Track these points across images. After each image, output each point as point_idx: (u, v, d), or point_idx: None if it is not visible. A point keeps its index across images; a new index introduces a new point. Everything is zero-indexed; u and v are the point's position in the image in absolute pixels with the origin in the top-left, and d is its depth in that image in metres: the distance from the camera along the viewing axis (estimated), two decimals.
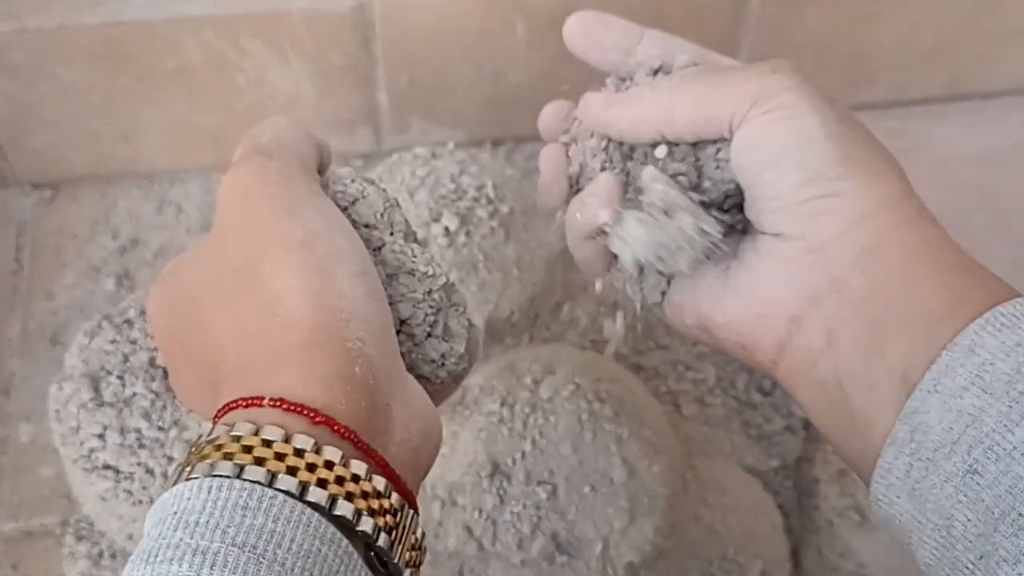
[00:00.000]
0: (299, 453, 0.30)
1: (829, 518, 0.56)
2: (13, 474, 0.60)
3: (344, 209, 0.38)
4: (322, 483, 0.30)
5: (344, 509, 0.30)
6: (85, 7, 0.61)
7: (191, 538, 0.28)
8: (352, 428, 0.31)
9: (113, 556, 0.57)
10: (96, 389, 0.53)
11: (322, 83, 0.66)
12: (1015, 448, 0.30)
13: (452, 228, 0.56)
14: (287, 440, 0.30)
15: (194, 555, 0.28)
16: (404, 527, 0.32)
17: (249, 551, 0.28)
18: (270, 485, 0.30)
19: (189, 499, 0.29)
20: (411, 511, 0.33)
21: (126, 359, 0.54)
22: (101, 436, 0.52)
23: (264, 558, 0.28)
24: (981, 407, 0.31)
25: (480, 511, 0.50)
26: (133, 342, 0.54)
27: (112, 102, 0.66)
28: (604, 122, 0.40)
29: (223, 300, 0.34)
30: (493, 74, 0.67)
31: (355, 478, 0.31)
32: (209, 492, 0.29)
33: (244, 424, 0.31)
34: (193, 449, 0.32)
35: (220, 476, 0.30)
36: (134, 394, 0.52)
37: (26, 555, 0.58)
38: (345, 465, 0.31)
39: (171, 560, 0.28)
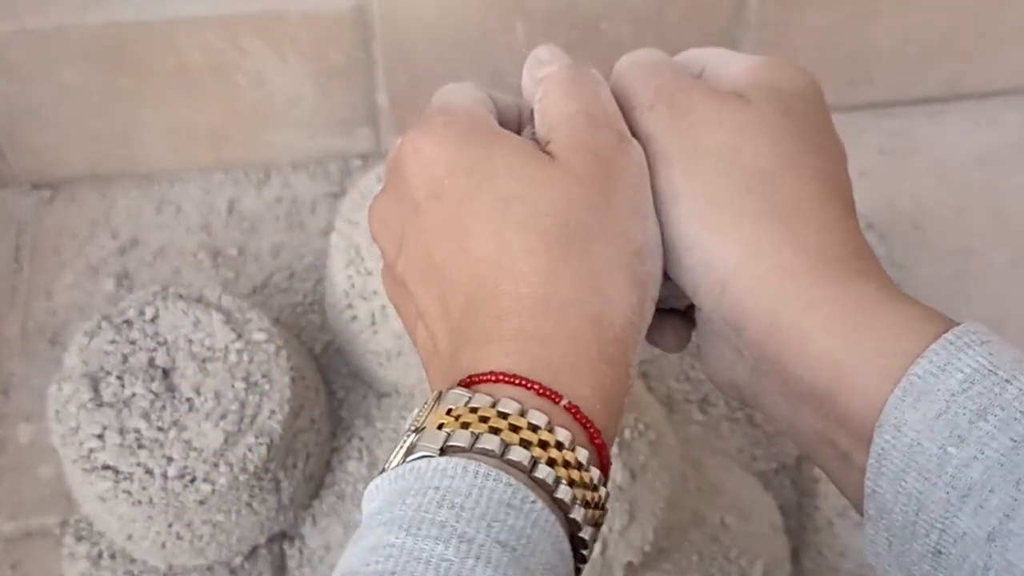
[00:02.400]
0: (559, 446, 0.30)
1: (829, 518, 0.56)
2: (12, 474, 0.60)
3: None
4: (571, 482, 0.30)
5: (562, 493, 0.30)
6: (84, 7, 0.61)
7: (457, 522, 0.28)
8: (587, 416, 0.31)
9: (112, 556, 0.57)
10: (95, 389, 0.53)
11: (322, 83, 0.66)
12: (965, 535, 0.29)
13: None
14: (550, 430, 0.30)
15: (460, 541, 0.27)
16: (601, 496, 0.31)
17: (510, 552, 0.27)
18: (531, 471, 0.29)
19: (454, 479, 0.28)
20: (600, 476, 0.32)
21: (125, 359, 0.54)
22: (100, 436, 0.52)
23: (520, 563, 0.27)
24: (923, 491, 0.29)
25: None
26: (132, 342, 0.54)
27: (111, 102, 0.66)
28: None
29: (541, 230, 0.33)
30: (493, 74, 0.67)
31: (580, 465, 0.30)
32: (475, 478, 0.28)
33: (509, 402, 0.30)
34: (448, 408, 0.30)
35: (481, 455, 0.29)
36: (133, 394, 0.52)
37: (25, 555, 0.58)
38: (572, 450, 0.30)
39: (436, 539, 0.27)
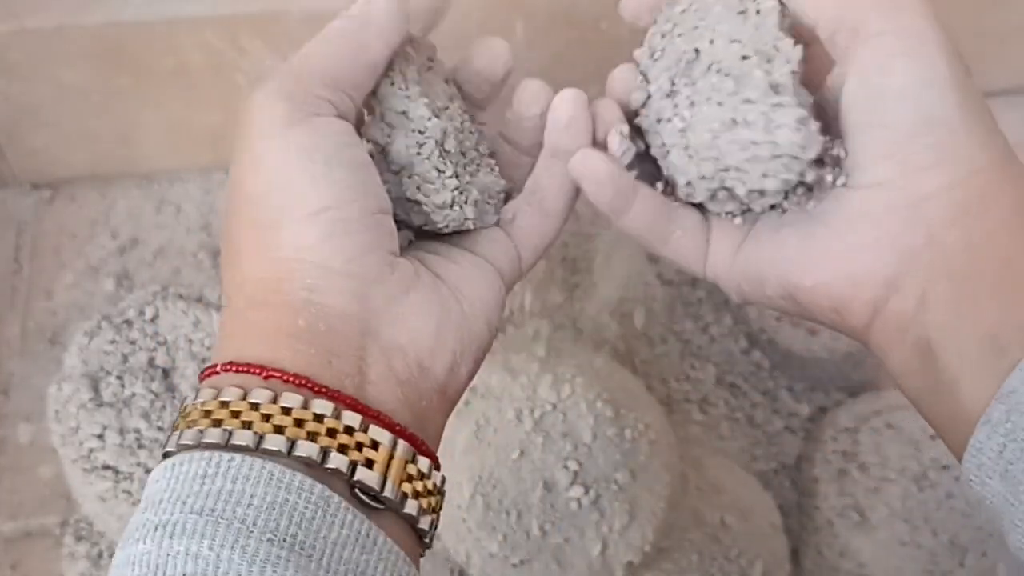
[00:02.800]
0: (255, 407, 0.30)
1: (829, 518, 0.56)
2: (12, 474, 0.60)
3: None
4: (279, 429, 0.30)
5: (304, 450, 0.30)
6: (84, 7, 0.61)
7: (155, 515, 0.29)
8: (305, 375, 0.31)
9: (112, 556, 0.56)
10: (95, 389, 0.53)
11: None
12: None
13: None
14: (243, 398, 0.30)
15: (155, 530, 0.28)
16: (394, 460, 0.31)
17: (207, 514, 0.28)
18: (257, 448, 0.30)
19: (157, 480, 0.30)
20: (404, 444, 0.32)
21: (125, 359, 0.54)
22: (100, 436, 0.52)
23: (223, 518, 0.28)
24: None
25: (479, 511, 0.50)
26: (132, 342, 0.54)
27: (111, 102, 0.65)
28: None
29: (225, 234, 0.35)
30: None
31: (318, 418, 0.30)
32: (172, 469, 0.30)
33: (205, 390, 0.31)
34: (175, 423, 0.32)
35: (188, 449, 0.30)
36: (133, 394, 0.52)
37: (25, 555, 0.58)
38: (305, 408, 0.30)
39: (137, 540, 0.29)
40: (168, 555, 0.28)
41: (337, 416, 0.31)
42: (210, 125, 0.68)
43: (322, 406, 0.31)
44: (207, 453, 0.29)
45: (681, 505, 0.55)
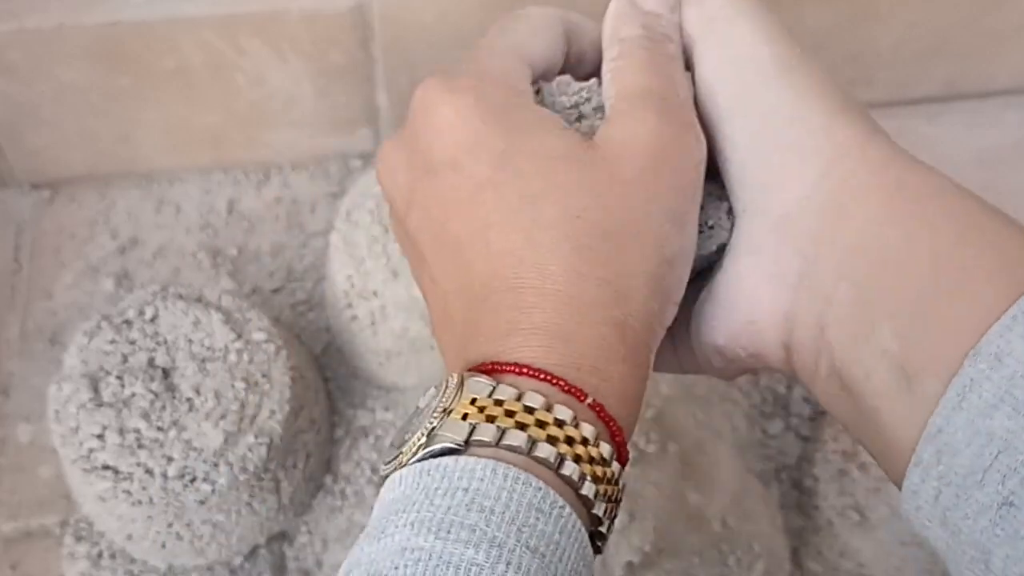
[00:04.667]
0: (585, 442, 0.29)
1: (829, 518, 0.56)
2: (12, 474, 0.60)
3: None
4: (578, 459, 0.29)
5: (569, 470, 0.29)
6: (84, 7, 0.61)
7: (487, 526, 0.27)
8: (626, 445, 0.31)
9: (112, 556, 0.57)
10: (95, 389, 0.53)
11: (321, 83, 0.66)
12: None
13: None
14: (576, 425, 0.29)
15: (491, 546, 0.26)
16: (618, 488, 0.31)
17: (539, 558, 0.27)
18: (558, 468, 0.28)
19: (483, 481, 0.27)
20: (619, 467, 0.31)
21: (125, 359, 0.54)
22: (100, 436, 0.52)
23: (548, 569, 0.27)
24: (1013, 430, 0.26)
25: None
26: (132, 342, 0.54)
27: (111, 102, 0.65)
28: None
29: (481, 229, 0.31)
30: None
31: (584, 441, 0.29)
32: (505, 480, 0.27)
33: (535, 396, 0.29)
34: (472, 397, 0.29)
35: (507, 451, 0.28)
36: (133, 394, 0.52)
37: (25, 555, 0.58)
38: (576, 426, 0.29)
39: (467, 543, 0.26)
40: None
41: (596, 444, 0.30)
42: (210, 125, 0.68)
43: (608, 449, 0.30)
44: (540, 484, 0.28)
45: (681, 505, 0.55)
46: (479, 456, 0.28)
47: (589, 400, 0.30)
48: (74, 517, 0.58)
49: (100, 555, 0.57)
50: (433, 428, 0.29)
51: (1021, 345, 0.26)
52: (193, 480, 0.51)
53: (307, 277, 0.67)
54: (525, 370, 0.29)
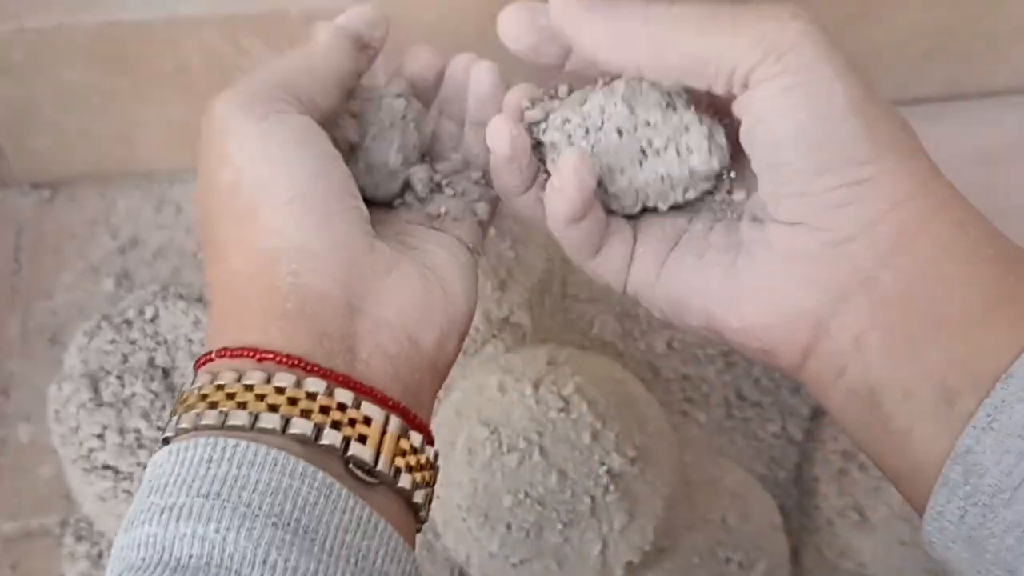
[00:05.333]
0: (249, 388, 0.31)
1: (829, 518, 0.56)
2: (12, 474, 0.60)
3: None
4: (273, 408, 0.31)
5: (298, 427, 0.30)
6: (84, 7, 0.61)
7: (161, 498, 0.29)
8: (297, 355, 0.32)
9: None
10: (95, 389, 0.53)
11: None
12: None
13: None
14: (238, 380, 0.31)
15: (162, 513, 0.29)
16: (387, 435, 0.32)
17: (213, 498, 0.29)
18: (252, 427, 0.30)
19: (161, 465, 0.30)
20: (396, 419, 0.32)
21: (125, 359, 0.54)
22: (100, 436, 0.52)
23: (229, 502, 0.29)
24: None
25: (479, 511, 0.50)
26: (132, 342, 0.54)
27: (111, 102, 0.65)
28: (577, 30, 0.35)
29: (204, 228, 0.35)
30: None
31: (311, 396, 0.31)
32: (177, 454, 0.30)
33: (201, 376, 0.32)
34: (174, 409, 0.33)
35: (185, 433, 0.31)
36: (133, 394, 0.52)
37: (25, 555, 0.58)
38: (298, 387, 0.31)
39: (143, 523, 0.29)
40: (174, 537, 0.28)
41: (330, 393, 0.31)
42: None
43: (314, 384, 0.31)
44: (211, 439, 0.30)
45: (681, 505, 0.55)
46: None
47: (258, 355, 0.32)
48: (74, 517, 0.58)
49: (100, 555, 0.57)
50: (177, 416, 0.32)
51: None
52: None
53: None
54: (200, 361, 0.33)
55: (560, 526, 0.50)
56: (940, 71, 0.74)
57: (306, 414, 0.31)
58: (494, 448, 0.51)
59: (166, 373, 0.53)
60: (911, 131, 0.34)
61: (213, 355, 0.32)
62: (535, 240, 0.58)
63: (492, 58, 0.66)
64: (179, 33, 0.62)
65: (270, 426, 0.30)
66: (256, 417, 0.30)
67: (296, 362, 0.32)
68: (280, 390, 0.31)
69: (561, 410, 0.52)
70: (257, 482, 0.29)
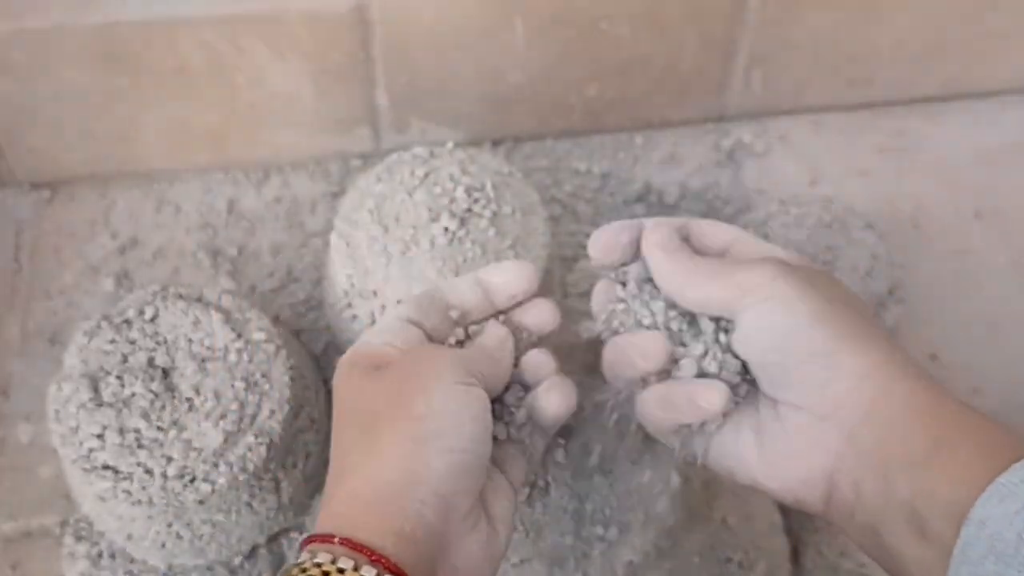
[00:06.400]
0: None
1: None
2: (12, 474, 0.60)
3: None
4: None
5: None
6: (84, 7, 0.61)
7: None
8: (401, 568, 0.37)
9: (112, 556, 0.57)
10: (95, 389, 0.53)
11: (321, 83, 0.66)
12: None
13: (451, 228, 0.56)
14: (356, 569, 0.37)
15: None
16: None
17: None
18: None
19: None
20: None
21: (125, 359, 0.54)
22: (100, 436, 0.52)
23: None
24: (999, 572, 0.35)
25: None
26: (132, 342, 0.54)
27: (111, 102, 0.66)
28: (679, 293, 0.44)
29: (362, 427, 0.41)
30: (492, 73, 0.67)
31: None
32: None
33: (324, 554, 0.37)
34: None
35: None
36: (133, 394, 0.52)
37: (25, 555, 0.58)
38: None
39: None
40: None
41: None
42: (210, 125, 0.68)
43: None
44: None
45: (681, 505, 0.55)
46: None
47: (375, 556, 0.37)
48: (74, 517, 0.58)
49: (100, 555, 0.57)
50: None
51: (996, 510, 0.36)
52: (193, 480, 0.51)
53: (307, 277, 0.67)
54: (318, 539, 0.38)
55: (560, 526, 0.50)
56: (939, 71, 0.74)
57: None
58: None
59: (166, 373, 0.53)
60: (871, 319, 0.43)
61: (337, 540, 0.38)
62: (536, 240, 0.58)
63: (489, 58, 0.66)
64: (179, 33, 0.62)
65: None
66: None
67: (396, 570, 0.37)
68: None
69: None
70: None
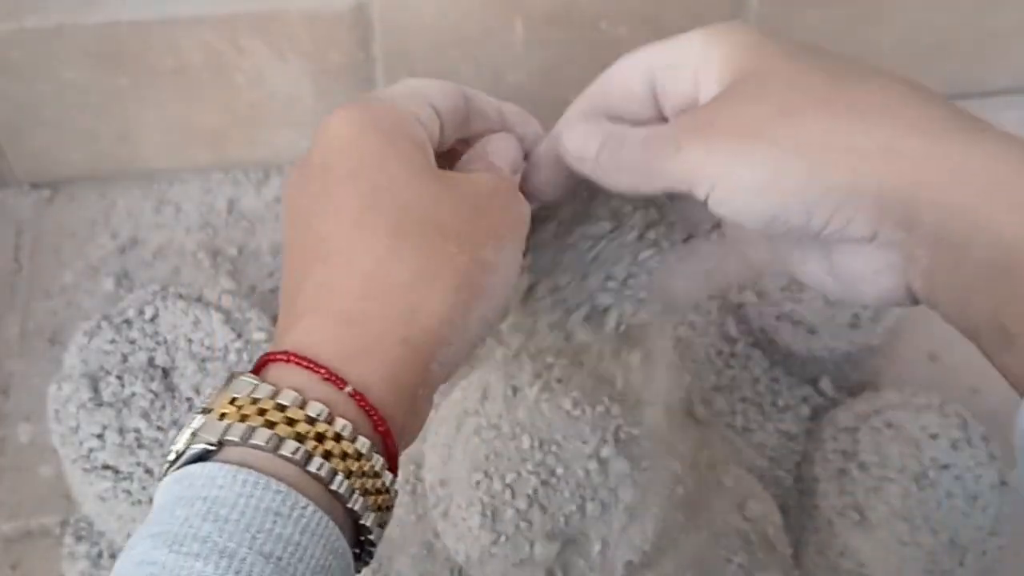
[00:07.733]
0: (337, 437, 0.30)
1: (829, 518, 0.56)
2: (12, 474, 0.60)
3: None
4: (348, 473, 0.30)
5: (357, 504, 0.30)
6: (83, 7, 0.61)
7: (220, 536, 0.28)
8: (392, 434, 0.32)
9: (112, 556, 0.57)
10: (95, 389, 0.53)
11: (321, 83, 0.66)
12: None
13: None
14: (329, 421, 0.30)
15: (221, 556, 0.27)
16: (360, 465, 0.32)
17: (274, 562, 0.28)
18: (305, 465, 0.30)
19: (222, 488, 0.29)
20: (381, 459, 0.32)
21: (125, 359, 0.54)
22: (100, 436, 0.52)
23: (286, 572, 0.28)
24: None
25: (479, 511, 0.50)
26: (132, 342, 0.54)
27: (111, 102, 0.66)
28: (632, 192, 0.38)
29: (404, 233, 0.34)
30: (492, 73, 0.67)
31: (370, 473, 0.31)
32: (243, 487, 0.29)
33: (288, 393, 0.31)
34: (232, 396, 0.31)
35: (256, 449, 0.30)
36: (133, 394, 0.52)
37: (25, 555, 0.58)
38: (374, 471, 0.31)
39: (197, 555, 0.28)
40: None
41: (370, 457, 0.31)
42: (210, 125, 0.68)
43: (366, 444, 0.31)
44: (283, 489, 0.29)
45: (681, 505, 0.55)
46: (228, 459, 0.30)
47: (348, 389, 0.31)
48: (74, 517, 0.58)
49: (100, 555, 0.57)
50: (194, 425, 0.31)
51: None
52: None
53: None
54: (292, 358, 0.31)
55: (561, 526, 0.50)
56: (939, 71, 0.74)
57: (327, 455, 0.30)
58: (494, 449, 0.51)
59: (166, 373, 0.53)
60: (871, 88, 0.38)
61: (293, 357, 0.31)
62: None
63: (488, 58, 0.66)
64: (179, 33, 0.62)
65: (316, 470, 0.30)
66: (309, 458, 0.30)
67: (391, 440, 0.32)
68: (321, 429, 0.30)
69: (563, 410, 0.52)
70: (312, 557, 0.29)
